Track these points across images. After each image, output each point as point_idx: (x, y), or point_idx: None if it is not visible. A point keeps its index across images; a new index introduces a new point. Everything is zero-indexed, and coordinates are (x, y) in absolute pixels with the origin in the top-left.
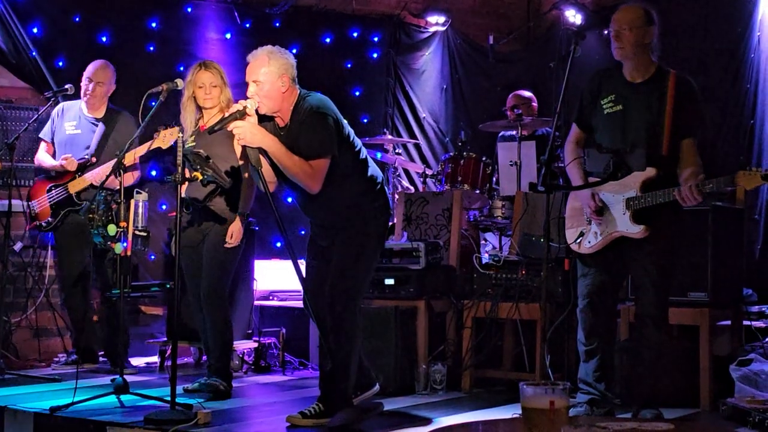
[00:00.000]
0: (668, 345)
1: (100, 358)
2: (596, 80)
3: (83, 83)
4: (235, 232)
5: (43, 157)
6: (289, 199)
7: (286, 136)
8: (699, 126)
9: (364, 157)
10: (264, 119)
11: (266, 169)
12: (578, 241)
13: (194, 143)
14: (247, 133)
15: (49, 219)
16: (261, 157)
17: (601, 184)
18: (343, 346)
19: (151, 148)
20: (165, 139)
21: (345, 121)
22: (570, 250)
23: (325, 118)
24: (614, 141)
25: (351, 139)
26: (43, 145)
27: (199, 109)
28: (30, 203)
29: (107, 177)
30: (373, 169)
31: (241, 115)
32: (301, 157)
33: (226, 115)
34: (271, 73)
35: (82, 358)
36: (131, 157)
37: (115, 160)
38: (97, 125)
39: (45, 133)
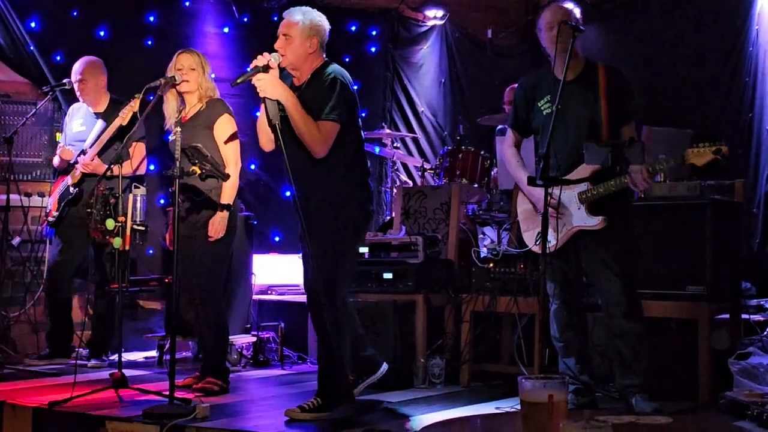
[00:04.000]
0: (643, 331)
1: (82, 350)
2: (527, 85)
3: (75, 84)
4: (215, 223)
5: (56, 160)
6: (288, 193)
7: (299, 95)
8: (634, 111)
9: (363, 148)
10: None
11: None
12: (538, 242)
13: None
14: (268, 85)
15: (55, 213)
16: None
17: (599, 179)
18: (335, 342)
19: (115, 127)
20: (124, 115)
21: (358, 108)
22: (531, 253)
23: (345, 88)
24: (556, 139)
25: (359, 124)
26: (59, 149)
27: (182, 98)
28: (47, 201)
29: (108, 168)
30: (367, 164)
31: (265, 69)
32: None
33: (251, 67)
34: (302, 31)
35: (54, 353)
36: (99, 146)
37: (98, 143)
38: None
39: (61, 139)
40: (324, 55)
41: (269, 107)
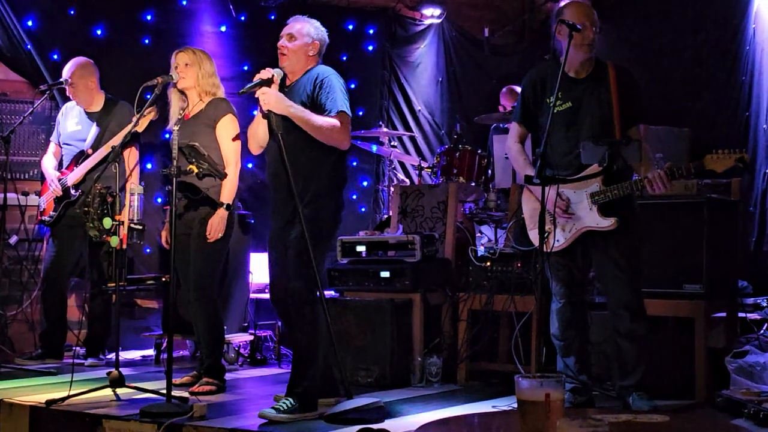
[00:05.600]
0: (655, 336)
1: (79, 349)
2: (537, 79)
3: (66, 87)
4: (214, 224)
5: (46, 163)
6: None
7: (287, 93)
8: (643, 112)
9: (346, 154)
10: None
11: (263, 136)
12: (545, 240)
13: (178, 133)
14: (273, 99)
15: (52, 213)
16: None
17: (595, 177)
18: (307, 341)
19: (128, 131)
20: (140, 122)
21: None
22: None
23: (343, 86)
24: (568, 138)
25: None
26: (51, 146)
27: (185, 97)
28: (39, 200)
29: (103, 168)
30: (346, 171)
31: (269, 83)
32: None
33: (255, 80)
34: (306, 34)
35: (47, 353)
36: (106, 150)
37: (103, 148)
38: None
39: (53, 136)
40: (320, 61)
41: (274, 120)
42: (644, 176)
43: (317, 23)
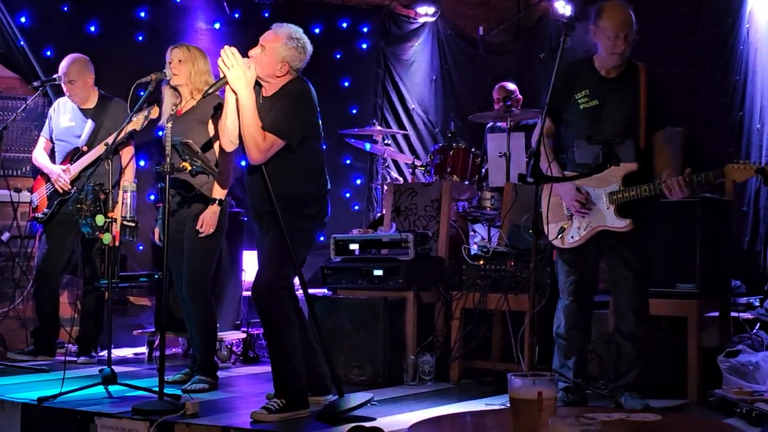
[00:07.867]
0: (650, 336)
1: (71, 346)
2: (568, 73)
3: (63, 85)
4: (206, 219)
5: (41, 158)
6: None
7: (261, 105)
8: (669, 117)
9: (323, 164)
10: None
11: (232, 128)
12: (560, 236)
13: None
14: (235, 74)
15: (45, 210)
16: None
17: (591, 175)
18: (280, 342)
19: (127, 132)
20: (138, 121)
21: (320, 121)
22: (539, 248)
23: (303, 108)
24: (592, 135)
25: (320, 136)
26: (41, 141)
27: (178, 93)
28: (32, 196)
29: (96, 164)
30: (325, 179)
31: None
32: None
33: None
34: (277, 52)
35: (39, 350)
36: (102, 148)
37: (100, 145)
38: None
39: (44, 131)
40: (297, 75)
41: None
42: (663, 180)
43: (298, 42)
